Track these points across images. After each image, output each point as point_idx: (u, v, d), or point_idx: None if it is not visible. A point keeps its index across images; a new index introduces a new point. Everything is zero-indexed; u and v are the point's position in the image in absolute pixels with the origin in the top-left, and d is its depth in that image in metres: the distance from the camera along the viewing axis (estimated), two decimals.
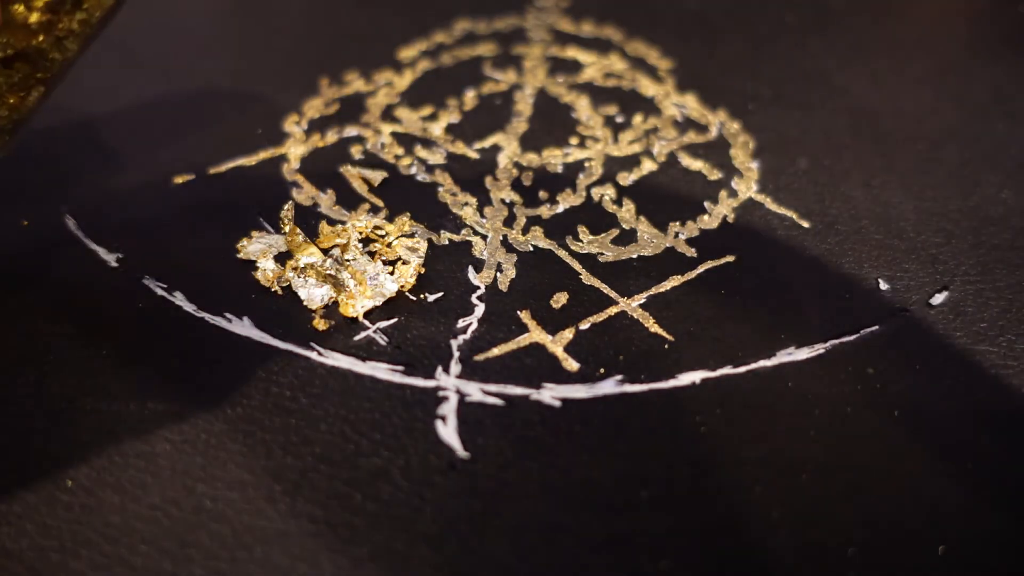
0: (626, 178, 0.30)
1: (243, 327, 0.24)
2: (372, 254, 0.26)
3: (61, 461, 0.21)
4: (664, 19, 0.41)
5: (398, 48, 0.38)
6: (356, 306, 0.24)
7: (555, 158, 0.31)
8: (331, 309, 0.25)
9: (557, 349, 0.24)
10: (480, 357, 0.23)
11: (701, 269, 0.26)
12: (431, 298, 0.25)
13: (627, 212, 0.29)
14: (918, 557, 0.19)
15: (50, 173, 0.29)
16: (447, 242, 0.27)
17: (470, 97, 0.35)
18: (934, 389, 0.23)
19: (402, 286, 0.25)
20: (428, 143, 0.32)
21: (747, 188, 0.30)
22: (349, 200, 0.29)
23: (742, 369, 0.23)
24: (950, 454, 0.21)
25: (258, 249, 0.26)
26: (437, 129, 0.33)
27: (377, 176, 0.30)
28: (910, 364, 0.23)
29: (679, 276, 0.26)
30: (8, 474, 0.20)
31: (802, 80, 0.36)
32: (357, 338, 0.24)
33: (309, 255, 0.26)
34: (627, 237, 0.28)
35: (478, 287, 0.26)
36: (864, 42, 0.39)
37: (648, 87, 0.35)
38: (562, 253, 0.27)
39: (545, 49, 0.38)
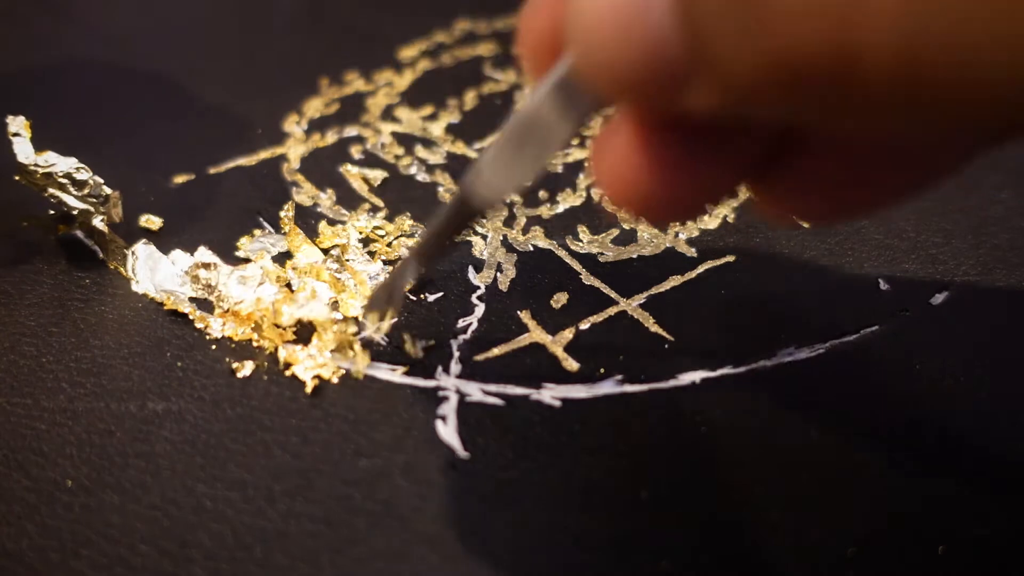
0: None
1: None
2: (372, 254, 0.26)
3: (61, 461, 0.21)
4: None
5: (398, 48, 0.38)
6: (356, 306, 0.24)
7: (555, 158, 0.31)
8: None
9: (557, 349, 0.24)
10: (480, 357, 0.23)
11: (701, 269, 0.26)
12: (431, 298, 0.25)
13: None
14: (918, 557, 0.19)
15: None
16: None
17: (470, 97, 0.35)
18: (934, 389, 0.23)
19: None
20: (428, 143, 0.32)
21: (747, 188, 0.30)
22: (349, 200, 0.29)
23: (742, 369, 0.23)
24: (950, 454, 0.21)
25: (258, 249, 0.26)
26: (437, 129, 0.33)
27: (377, 176, 0.30)
28: (910, 364, 0.23)
29: (679, 276, 0.26)
30: (8, 474, 0.20)
31: None
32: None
33: (309, 255, 0.26)
34: (627, 237, 0.28)
35: (478, 287, 0.26)
36: None
37: None
38: (562, 253, 0.27)
39: None
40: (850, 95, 0.11)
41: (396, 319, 0.24)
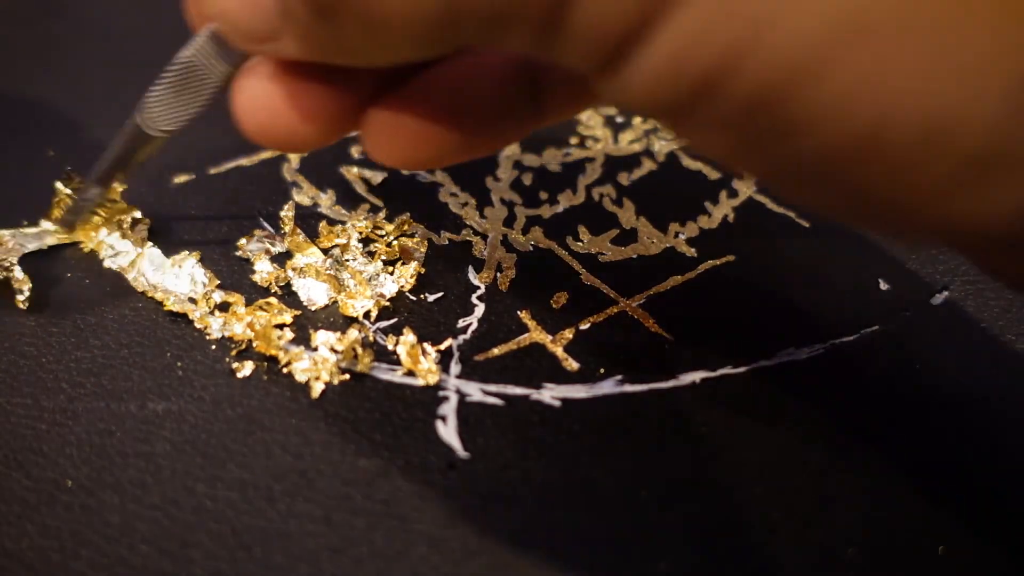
0: (626, 178, 0.30)
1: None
2: (372, 254, 0.26)
3: (61, 461, 0.21)
4: None
5: None
6: (356, 306, 0.24)
7: (555, 158, 0.31)
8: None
9: (557, 349, 0.24)
10: (480, 357, 0.23)
11: (701, 269, 0.26)
12: (431, 298, 0.25)
13: (627, 212, 0.29)
14: (918, 557, 0.19)
15: (49, 173, 0.29)
16: (447, 242, 0.27)
17: None
18: (934, 389, 0.23)
19: (402, 286, 0.25)
20: None
21: (747, 188, 0.30)
22: (349, 200, 0.29)
23: (742, 369, 0.23)
24: (950, 454, 0.21)
25: (258, 248, 0.26)
26: None
27: (377, 176, 0.30)
28: (910, 364, 0.23)
29: (679, 276, 0.26)
30: (8, 474, 0.20)
31: None
32: None
33: (309, 255, 0.26)
34: (627, 237, 0.28)
35: (478, 287, 0.26)
36: None
37: None
38: (562, 253, 0.27)
39: None
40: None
41: (86, 223, 0.26)
